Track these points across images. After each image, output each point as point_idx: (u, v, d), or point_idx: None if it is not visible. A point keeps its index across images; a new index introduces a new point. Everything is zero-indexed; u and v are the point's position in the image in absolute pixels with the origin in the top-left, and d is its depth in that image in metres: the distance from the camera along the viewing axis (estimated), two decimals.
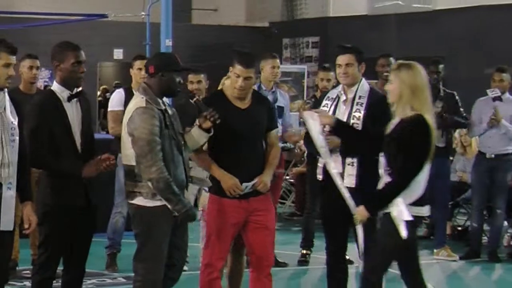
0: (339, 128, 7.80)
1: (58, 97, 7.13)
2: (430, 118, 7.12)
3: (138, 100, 7.11)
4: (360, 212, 7.29)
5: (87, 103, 7.39)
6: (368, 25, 22.02)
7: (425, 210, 7.28)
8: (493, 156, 11.87)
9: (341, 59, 8.00)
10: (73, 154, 7.13)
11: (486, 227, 12.36)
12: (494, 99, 11.85)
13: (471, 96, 12.30)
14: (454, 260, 11.83)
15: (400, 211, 7.03)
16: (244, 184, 7.49)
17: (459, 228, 13.65)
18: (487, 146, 11.91)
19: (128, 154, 7.13)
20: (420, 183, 7.13)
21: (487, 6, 19.80)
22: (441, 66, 11.94)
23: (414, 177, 7.09)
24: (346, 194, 7.59)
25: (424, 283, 7.32)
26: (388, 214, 7.09)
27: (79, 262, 7.39)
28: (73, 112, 7.17)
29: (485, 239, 12.45)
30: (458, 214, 13.89)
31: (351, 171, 7.84)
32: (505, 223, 12.66)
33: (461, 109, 11.97)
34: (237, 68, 7.54)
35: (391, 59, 11.40)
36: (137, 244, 7.23)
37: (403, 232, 6.98)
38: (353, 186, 7.79)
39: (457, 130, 13.34)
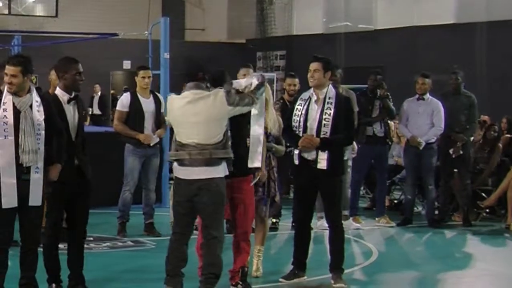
0: (325, 143, 7.80)
1: (60, 100, 7.09)
2: None
3: None
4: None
5: (82, 104, 7.33)
6: (324, 41, 22.04)
7: None
8: None
9: (311, 66, 7.96)
10: (68, 144, 7.00)
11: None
12: (418, 98, 11.86)
13: (403, 96, 12.28)
14: (392, 226, 11.82)
15: None
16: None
17: (395, 201, 13.66)
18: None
19: None
20: None
21: (415, 27, 19.89)
22: (379, 76, 11.91)
23: None
24: None
25: None
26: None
27: (80, 226, 7.26)
28: (71, 112, 7.10)
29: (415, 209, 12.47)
30: (394, 190, 13.87)
31: (323, 155, 7.83)
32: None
33: (393, 107, 11.92)
34: None
35: (339, 70, 11.37)
36: None
37: None
38: (325, 168, 7.78)
39: (393, 124, 13.32)
